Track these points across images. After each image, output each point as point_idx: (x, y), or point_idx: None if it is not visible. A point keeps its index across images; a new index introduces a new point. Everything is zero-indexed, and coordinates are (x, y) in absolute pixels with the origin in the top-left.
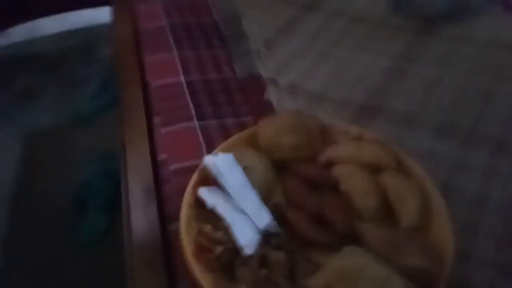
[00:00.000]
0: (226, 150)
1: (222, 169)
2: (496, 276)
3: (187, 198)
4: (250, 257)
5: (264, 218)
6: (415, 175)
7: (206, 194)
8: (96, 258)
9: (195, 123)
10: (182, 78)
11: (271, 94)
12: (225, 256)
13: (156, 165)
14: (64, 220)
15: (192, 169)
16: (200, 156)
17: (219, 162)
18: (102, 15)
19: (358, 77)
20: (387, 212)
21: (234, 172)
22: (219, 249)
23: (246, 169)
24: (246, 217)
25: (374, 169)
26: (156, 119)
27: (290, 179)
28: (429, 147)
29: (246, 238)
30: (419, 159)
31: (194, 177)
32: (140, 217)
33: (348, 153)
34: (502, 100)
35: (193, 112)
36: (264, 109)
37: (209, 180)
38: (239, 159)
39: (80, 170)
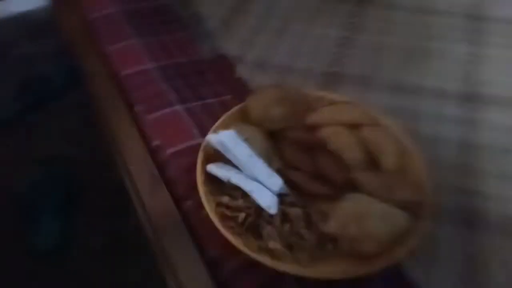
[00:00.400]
0: (222, 128)
1: (229, 145)
2: (461, 198)
3: (199, 175)
4: (273, 216)
5: (276, 181)
6: (387, 126)
7: (217, 169)
8: (54, 266)
9: (179, 106)
10: (152, 64)
11: (242, 71)
12: (248, 221)
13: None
14: (13, 229)
15: (188, 150)
16: (193, 137)
17: (224, 138)
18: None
19: (315, 48)
20: (370, 160)
21: (239, 145)
22: (242, 215)
23: (246, 142)
24: (260, 183)
25: (353, 126)
26: (138, 108)
27: (284, 145)
28: (387, 102)
29: (267, 200)
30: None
31: (200, 156)
32: (153, 201)
33: (330, 116)
34: (436, 56)
35: (174, 96)
36: (239, 85)
37: (213, 157)
38: (238, 134)
39: (16, 177)
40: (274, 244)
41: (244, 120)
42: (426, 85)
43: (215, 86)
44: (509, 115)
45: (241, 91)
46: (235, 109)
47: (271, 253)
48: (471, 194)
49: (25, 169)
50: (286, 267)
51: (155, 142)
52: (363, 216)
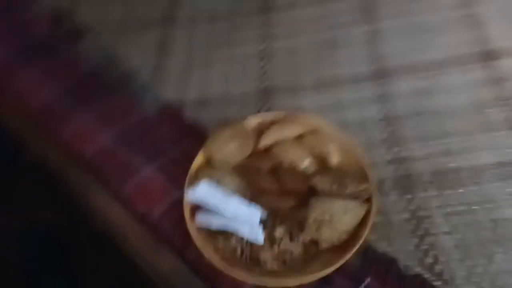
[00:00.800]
0: (193, 177)
1: (206, 195)
2: (396, 167)
3: (191, 228)
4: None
5: (256, 211)
6: (325, 128)
7: (205, 219)
8: None
9: (148, 168)
10: (108, 135)
11: (188, 114)
12: (244, 253)
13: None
14: None
15: (173, 207)
16: (172, 193)
17: (200, 191)
18: None
19: (243, 68)
20: (320, 163)
21: (215, 191)
22: (238, 251)
23: (219, 183)
24: (243, 218)
25: (297, 137)
26: (113, 182)
27: (250, 175)
28: (315, 102)
29: (253, 233)
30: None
31: (186, 211)
32: (158, 259)
33: (275, 135)
34: (342, 44)
35: (140, 159)
36: (192, 129)
37: (197, 206)
38: (210, 178)
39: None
40: (271, 265)
41: (209, 163)
42: (342, 74)
43: (171, 137)
44: (413, 80)
45: (196, 134)
46: (198, 156)
47: (272, 273)
48: (403, 161)
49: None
50: (283, 282)
51: (141, 210)
52: (330, 217)
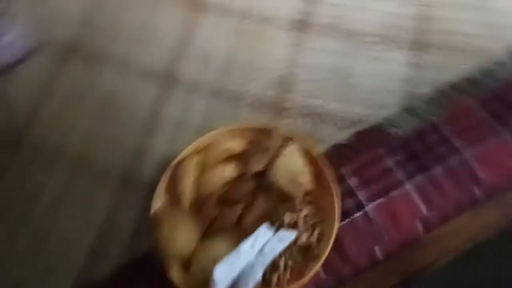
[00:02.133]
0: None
1: (228, 269)
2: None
3: None
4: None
5: (262, 229)
6: (202, 141)
7: (245, 279)
8: None
9: None
10: None
11: None
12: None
13: None
14: None
15: None
16: None
17: (220, 273)
18: None
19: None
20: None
21: (226, 260)
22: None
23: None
24: (266, 242)
25: (201, 167)
26: None
27: (216, 226)
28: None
29: (284, 238)
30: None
31: None
32: None
33: (186, 185)
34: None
35: None
36: None
37: None
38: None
39: None
40: (312, 238)
41: (183, 263)
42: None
43: None
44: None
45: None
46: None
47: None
48: (255, 103)
49: None
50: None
51: None
52: (290, 170)
